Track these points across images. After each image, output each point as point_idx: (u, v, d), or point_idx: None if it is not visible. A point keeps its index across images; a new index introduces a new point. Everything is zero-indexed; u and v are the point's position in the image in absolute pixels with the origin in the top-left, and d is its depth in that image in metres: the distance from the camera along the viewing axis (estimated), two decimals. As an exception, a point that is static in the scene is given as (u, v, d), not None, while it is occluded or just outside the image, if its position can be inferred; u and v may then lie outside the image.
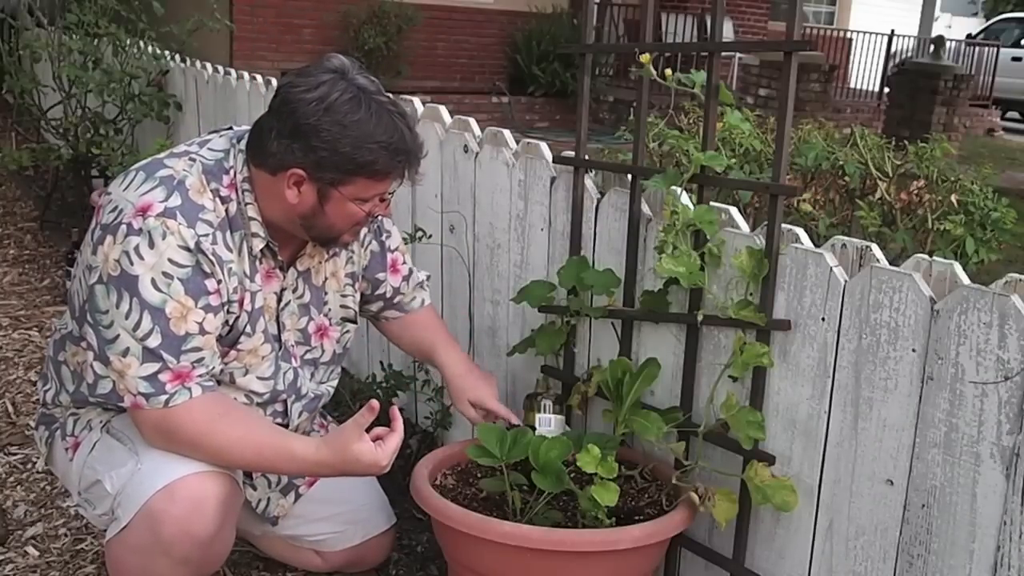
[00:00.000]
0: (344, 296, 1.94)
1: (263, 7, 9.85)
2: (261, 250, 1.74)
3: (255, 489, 1.95)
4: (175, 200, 1.63)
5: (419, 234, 2.42)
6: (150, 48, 4.44)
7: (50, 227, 4.81)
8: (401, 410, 2.63)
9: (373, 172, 1.65)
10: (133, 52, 4.40)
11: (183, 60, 4.42)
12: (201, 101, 4.09)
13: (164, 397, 1.61)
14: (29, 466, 2.56)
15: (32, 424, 2.67)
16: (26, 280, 4.11)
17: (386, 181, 1.68)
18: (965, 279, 1.48)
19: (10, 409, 2.88)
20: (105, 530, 1.76)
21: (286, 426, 1.86)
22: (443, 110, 2.52)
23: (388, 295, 2.06)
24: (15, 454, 2.62)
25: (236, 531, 1.86)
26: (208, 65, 4.13)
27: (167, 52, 4.46)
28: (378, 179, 1.67)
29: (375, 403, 1.62)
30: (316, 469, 1.70)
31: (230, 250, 1.69)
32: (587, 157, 2.05)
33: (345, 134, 1.60)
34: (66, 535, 2.25)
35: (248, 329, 1.74)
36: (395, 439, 1.68)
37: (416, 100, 2.65)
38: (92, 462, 1.77)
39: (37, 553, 2.18)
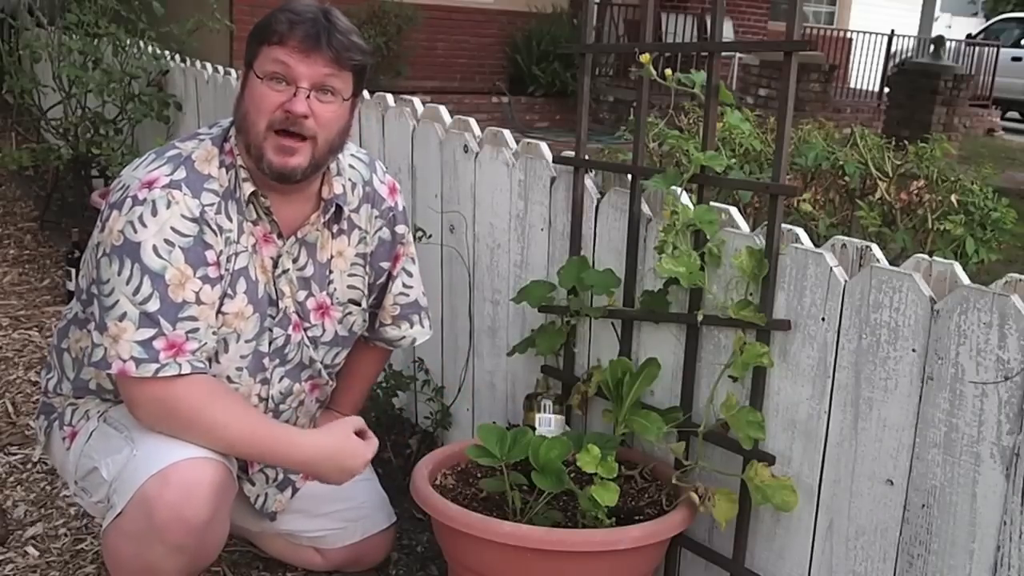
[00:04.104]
0: (352, 276, 1.92)
1: (263, 7, 9.72)
2: (253, 206, 1.75)
3: (253, 484, 1.95)
4: (180, 173, 1.68)
5: (419, 234, 2.42)
6: (150, 48, 4.44)
7: (50, 227, 4.81)
8: (400, 410, 2.65)
9: (270, 34, 1.66)
10: (133, 52, 4.40)
11: (183, 60, 4.41)
12: (201, 101, 4.09)
13: (155, 366, 1.62)
14: (29, 466, 2.56)
15: (32, 423, 2.67)
16: (26, 280, 4.11)
17: (283, 47, 1.65)
18: (965, 279, 1.48)
19: (10, 409, 2.88)
20: (102, 521, 1.76)
21: (267, 392, 1.85)
22: (443, 110, 2.52)
23: (383, 294, 2.03)
24: (15, 454, 2.62)
25: (235, 529, 1.86)
26: (208, 65, 4.12)
27: (167, 52, 4.46)
28: (274, 43, 1.65)
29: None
30: (308, 454, 1.75)
31: (230, 219, 1.72)
32: (587, 157, 2.06)
33: (271, 13, 1.69)
34: (66, 535, 2.25)
35: (230, 290, 1.73)
36: (374, 442, 1.84)
37: (416, 100, 2.65)
38: (88, 451, 1.78)
39: (37, 553, 2.18)
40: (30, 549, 2.19)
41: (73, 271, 3.69)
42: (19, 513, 2.34)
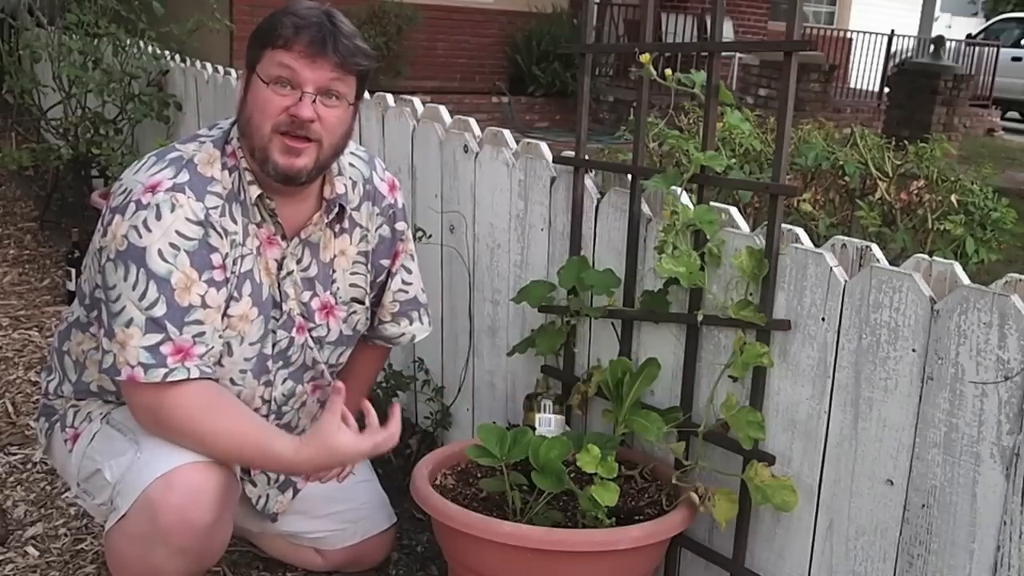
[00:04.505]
0: (354, 275, 1.92)
1: (263, 7, 9.72)
2: (259, 209, 1.74)
3: (255, 485, 1.95)
4: (184, 176, 1.67)
5: (419, 234, 2.42)
6: (150, 48, 4.44)
7: (50, 227, 4.81)
8: (401, 410, 2.65)
9: (274, 38, 1.65)
10: (133, 52, 4.40)
11: (183, 60, 4.41)
12: (201, 101, 4.09)
13: (163, 371, 1.61)
14: (29, 466, 2.56)
15: (32, 424, 2.67)
16: (26, 280, 4.11)
17: (289, 52, 1.64)
18: (965, 279, 1.48)
19: (10, 409, 2.88)
20: (104, 523, 1.77)
21: (270, 394, 1.85)
22: (443, 110, 2.52)
23: (382, 291, 2.03)
24: (15, 454, 2.62)
25: (236, 530, 1.86)
26: (208, 65, 4.12)
27: (167, 52, 4.46)
28: (279, 47, 1.64)
29: (340, 384, 1.68)
30: (298, 467, 1.74)
31: (235, 221, 1.71)
32: (587, 157, 2.06)
33: (271, 15, 1.67)
34: (66, 535, 2.25)
35: (236, 293, 1.73)
36: (381, 435, 1.71)
37: (416, 100, 2.65)
38: (92, 452, 1.78)
39: (37, 553, 2.18)
40: (30, 549, 2.19)
41: (73, 271, 3.69)
42: (19, 513, 2.34)
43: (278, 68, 1.65)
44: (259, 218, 1.76)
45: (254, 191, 1.73)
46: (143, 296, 1.61)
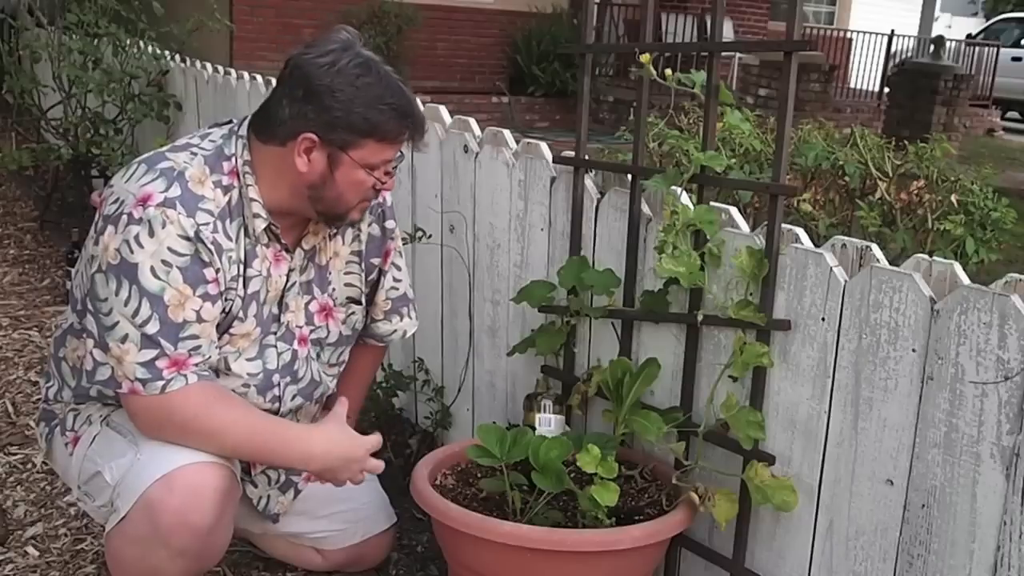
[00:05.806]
0: (348, 275, 1.92)
1: (263, 7, 9.85)
2: (265, 233, 1.74)
3: (256, 486, 1.95)
4: (175, 191, 1.65)
5: (419, 234, 2.42)
6: (150, 48, 4.44)
7: (50, 227, 4.81)
8: (400, 410, 2.65)
9: (383, 134, 1.68)
10: (133, 52, 4.40)
11: (183, 60, 4.41)
12: (201, 101, 4.09)
13: (160, 383, 1.63)
14: (29, 466, 2.56)
15: (32, 424, 2.67)
16: (26, 280, 4.11)
17: (394, 146, 1.71)
18: (965, 279, 1.48)
19: (10, 409, 2.88)
20: (105, 525, 1.77)
21: (278, 409, 1.85)
22: (443, 110, 2.52)
23: (374, 290, 2.03)
24: (15, 454, 2.62)
25: (237, 530, 1.86)
26: (208, 65, 4.12)
27: (167, 52, 4.46)
28: (387, 142, 1.69)
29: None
30: (315, 448, 1.76)
31: (230, 238, 1.70)
32: (587, 157, 2.06)
33: (357, 95, 1.65)
34: (66, 535, 2.25)
35: (241, 314, 1.74)
36: (375, 438, 1.84)
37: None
38: (92, 455, 1.78)
39: (37, 553, 2.18)
40: (30, 549, 2.19)
41: (73, 271, 3.68)
42: (19, 513, 2.34)
43: (380, 160, 1.71)
44: (266, 239, 1.76)
45: (260, 224, 1.73)
46: (136, 313, 1.61)
